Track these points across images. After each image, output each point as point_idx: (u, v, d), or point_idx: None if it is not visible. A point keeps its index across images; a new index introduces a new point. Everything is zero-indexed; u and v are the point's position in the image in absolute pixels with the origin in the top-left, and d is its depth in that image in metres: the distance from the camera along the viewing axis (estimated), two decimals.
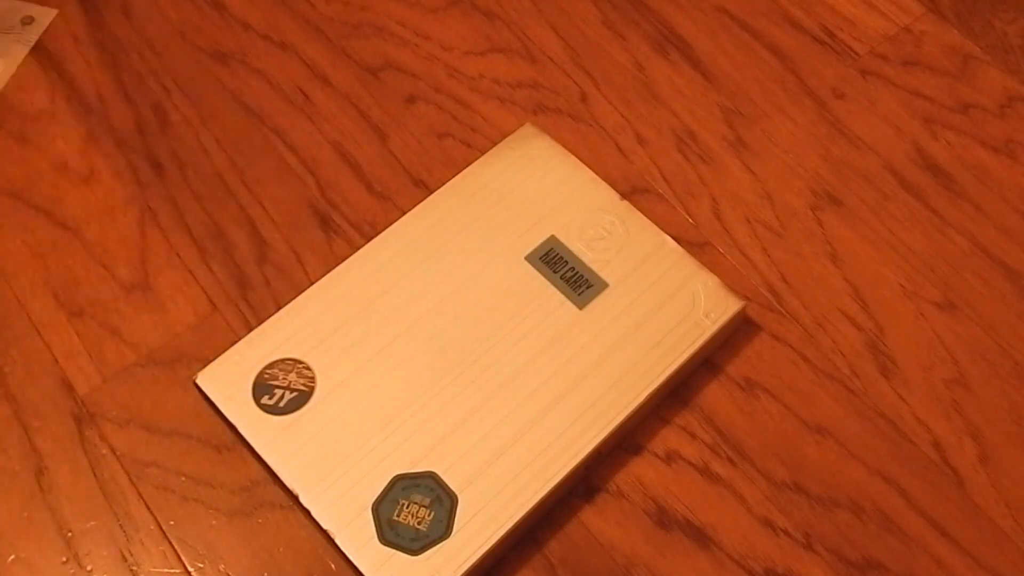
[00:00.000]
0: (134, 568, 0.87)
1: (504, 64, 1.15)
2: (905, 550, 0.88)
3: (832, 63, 1.14)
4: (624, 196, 1.00)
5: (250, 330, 0.95)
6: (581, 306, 0.95)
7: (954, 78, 1.13)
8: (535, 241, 0.98)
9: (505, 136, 1.07)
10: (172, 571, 0.88)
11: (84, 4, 1.19)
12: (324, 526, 0.85)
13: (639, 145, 1.09)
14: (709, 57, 1.15)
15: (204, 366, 0.92)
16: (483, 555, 0.84)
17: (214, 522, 0.90)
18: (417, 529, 0.84)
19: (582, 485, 0.91)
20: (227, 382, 0.91)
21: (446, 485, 0.86)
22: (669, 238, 0.98)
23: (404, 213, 1.00)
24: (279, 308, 0.96)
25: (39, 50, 1.15)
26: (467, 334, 0.93)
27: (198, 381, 0.91)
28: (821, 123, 1.10)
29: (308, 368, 0.92)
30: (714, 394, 0.95)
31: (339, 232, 1.04)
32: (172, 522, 0.90)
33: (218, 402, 0.90)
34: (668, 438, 0.93)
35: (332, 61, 1.15)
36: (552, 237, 0.98)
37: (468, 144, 1.09)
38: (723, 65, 1.15)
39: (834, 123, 1.10)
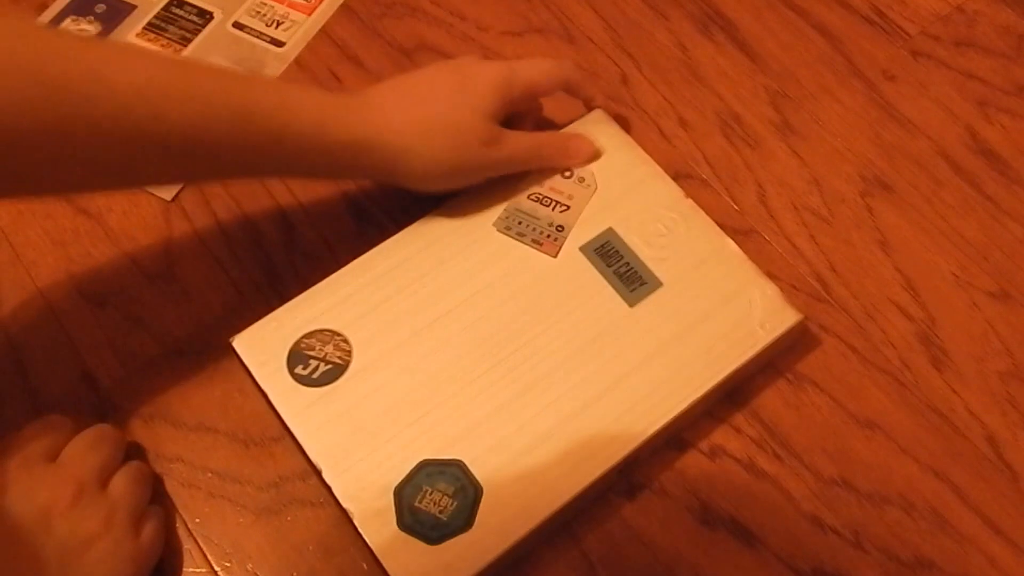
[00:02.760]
0: (159, 567, 0.86)
1: (542, 45, 1.14)
2: (958, 549, 0.87)
3: (882, 44, 1.13)
4: None
5: None
6: (632, 304, 0.92)
7: (1009, 59, 1.12)
8: (592, 232, 0.96)
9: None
10: (198, 570, 0.87)
11: None
12: (343, 504, 0.84)
13: (682, 129, 1.08)
14: (755, 38, 1.14)
15: (231, 357, 0.91)
16: (502, 552, 0.82)
17: (241, 520, 0.89)
18: (438, 518, 0.83)
19: (623, 481, 0.89)
20: (263, 348, 0.91)
21: (472, 475, 0.85)
22: (731, 242, 0.96)
23: (438, 200, 0.98)
24: None
25: None
26: (511, 322, 0.91)
27: (234, 343, 0.91)
28: (871, 106, 1.09)
29: (346, 341, 0.90)
30: (760, 387, 0.94)
31: (370, 219, 1.02)
32: (198, 520, 0.89)
33: (252, 367, 0.90)
34: (712, 433, 0.92)
35: (364, 42, 1.14)
36: (609, 229, 0.96)
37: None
38: (769, 46, 1.13)
39: (884, 106, 1.09)
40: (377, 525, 0.83)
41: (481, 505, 0.83)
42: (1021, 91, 1.09)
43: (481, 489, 0.84)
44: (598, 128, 1.02)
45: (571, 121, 1.03)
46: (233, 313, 0.98)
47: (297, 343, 0.90)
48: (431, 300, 0.92)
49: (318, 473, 0.85)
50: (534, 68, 0.97)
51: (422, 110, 0.91)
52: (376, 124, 0.89)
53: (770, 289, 0.93)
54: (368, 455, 0.85)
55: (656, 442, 0.89)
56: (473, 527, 0.83)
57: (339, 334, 0.91)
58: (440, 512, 0.83)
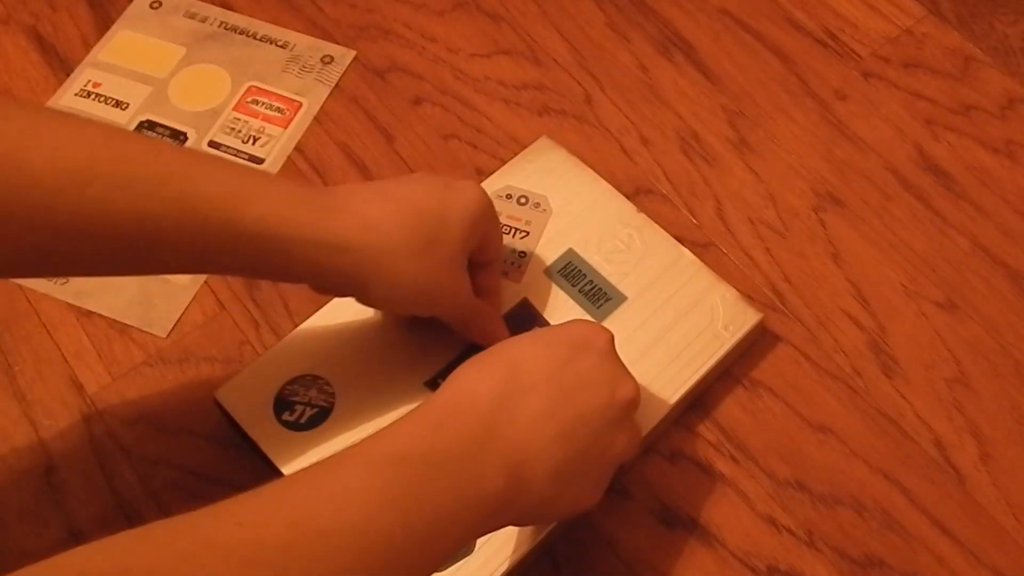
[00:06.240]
0: None
1: (509, 66, 1.16)
2: (906, 548, 0.89)
3: (834, 65, 1.15)
4: (628, 197, 1.01)
5: (258, 329, 0.96)
6: (601, 319, 0.94)
7: (955, 80, 1.14)
8: (553, 255, 0.98)
9: (510, 138, 1.08)
10: None
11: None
12: None
13: (643, 146, 1.10)
14: (712, 59, 1.16)
15: (212, 364, 0.93)
16: (506, 571, 0.83)
17: None
18: None
19: None
20: (248, 398, 0.90)
21: None
22: (687, 251, 0.98)
23: None
24: (286, 306, 0.98)
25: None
26: None
27: (218, 397, 0.91)
28: (823, 124, 1.11)
29: (328, 384, 0.91)
30: (718, 393, 0.96)
31: None
32: None
33: (239, 418, 0.90)
34: (672, 437, 0.93)
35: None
36: (570, 250, 0.98)
37: (474, 145, 1.10)
38: (726, 67, 1.15)
39: (836, 124, 1.11)
40: None
41: None
42: (967, 110, 1.11)
43: None
44: (548, 154, 1.04)
45: (519, 150, 1.05)
46: (214, 322, 0.99)
47: (281, 390, 0.90)
48: (407, 338, 0.93)
49: None
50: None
51: (401, 205, 0.81)
52: (343, 220, 0.78)
53: (729, 293, 0.95)
54: None
55: (641, 448, 0.90)
56: (476, 550, 0.83)
57: (321, 378, 0.91)
58: None
